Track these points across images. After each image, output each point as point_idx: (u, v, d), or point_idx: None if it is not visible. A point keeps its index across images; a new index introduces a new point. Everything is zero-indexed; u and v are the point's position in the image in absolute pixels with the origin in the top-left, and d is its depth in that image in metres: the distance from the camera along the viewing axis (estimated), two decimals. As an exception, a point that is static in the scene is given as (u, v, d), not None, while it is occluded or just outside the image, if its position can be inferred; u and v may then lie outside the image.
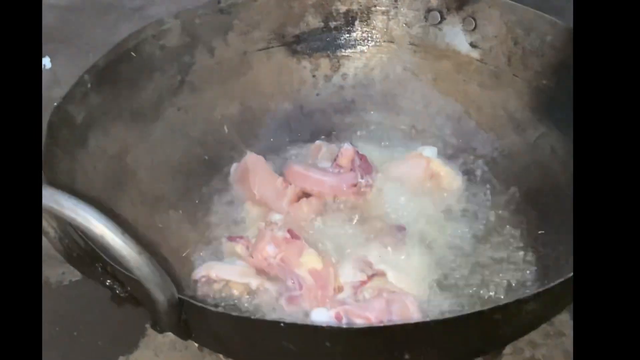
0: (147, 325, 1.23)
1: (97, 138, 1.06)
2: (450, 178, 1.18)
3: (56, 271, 1.30)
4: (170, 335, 1.18)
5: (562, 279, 0.80)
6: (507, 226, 1.12)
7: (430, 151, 1.21)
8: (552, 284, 0.80)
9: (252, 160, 1.18)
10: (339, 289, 1.00)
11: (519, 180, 1.17)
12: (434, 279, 1.03)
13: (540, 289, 0.80)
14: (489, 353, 0.99)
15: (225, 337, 0.84)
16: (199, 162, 1.22)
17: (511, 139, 1.22)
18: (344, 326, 0.87)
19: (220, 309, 0.84)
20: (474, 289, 1.02)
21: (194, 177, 1.20)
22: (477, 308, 0.86)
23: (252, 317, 0.87)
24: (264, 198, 1.13)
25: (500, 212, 1.14)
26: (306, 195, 1.13)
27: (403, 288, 1.00)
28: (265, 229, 1.06)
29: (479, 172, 1.22)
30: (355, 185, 1.12)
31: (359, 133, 1.30)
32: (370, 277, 1.00)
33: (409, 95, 1.31)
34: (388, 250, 1.05)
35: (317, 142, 1.24)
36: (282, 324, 0.77)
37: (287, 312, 0.97)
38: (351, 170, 1.14)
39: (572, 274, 0.77)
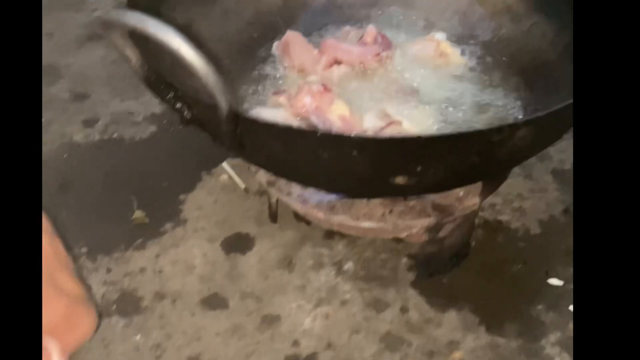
0: (203, 172, 1.27)
1: (167, 9, 1.07)
2: (456, 56, 1.21)
3: (129, 130, 1.36)
4: (220, 179, 1.23)
5: (548, 111, 0.82)
6: (501, 88, 1.15)
7: (440, 35, 1.24)
8: (539, 114, 0.82)
9: (291, 35, 1.20)
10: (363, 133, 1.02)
11: (514, 58, 1.20)
12: (441, 127, 1.05)
13: (529, 117, 0.82)
14: (489, 177, 1.01)
15: (271, 149, 0.87)
16: (250, 39, 1.24)
17: (508, 27, 1.24)
18: (369, 136, 0.90)
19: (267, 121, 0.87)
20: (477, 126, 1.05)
21: (246, 49, 1.22)
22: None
23: (294, 127, 0.89)
24: (302, 64, 1.16)
25: (497, 79, 1.18)
26: (337, 62, 1.15)
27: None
28: (303, 84, 1.08)
29: (480, 53, 1.24)
30: (378, 54, 1.14)
31: (382, 22, 1.31)
32: (389, 125, 1.02)
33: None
34: (403, 105, 1.06)
35: (347, 27, 1.25)
36: (318, 133, 0.80)
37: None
38: (374, 44, 1.16)
39: (554, 109, 0.81)
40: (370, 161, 0.83)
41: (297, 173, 0.94)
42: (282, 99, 1.09)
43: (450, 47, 1.22)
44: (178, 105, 0.86)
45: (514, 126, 0.82)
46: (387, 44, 1.18)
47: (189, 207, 1.23)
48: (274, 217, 1.18)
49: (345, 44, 1.17)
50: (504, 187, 1.18)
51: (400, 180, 0.85)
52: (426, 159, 0.83)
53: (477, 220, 1.16)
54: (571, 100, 0.79)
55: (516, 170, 1.25)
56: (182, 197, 1.26)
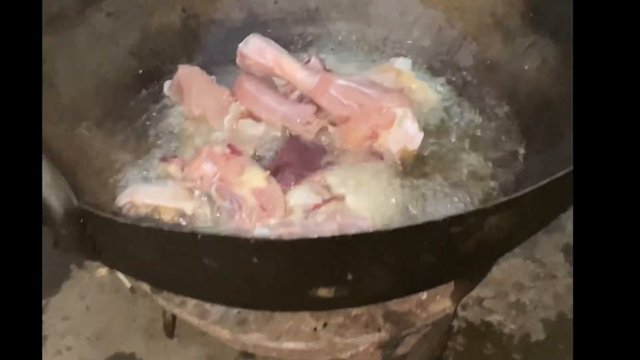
0: (72, 266, 1.26)
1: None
2: (425, 93, 1.18)
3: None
4: (97, 275, 1.21)
5: (531, 188, 0.80)
6: (490, 142, 1.13)
7: (402, 63, 1.21)
8: (518, 194, 0.80)
9: (185, 73, 1.18)
10: (289, 212, 1.00)
11: (505, 94, 1.18)
12: (400, 204, 1.03)
13: (505, 199, 0.80)
14: (450, 280, 0.98)
15: (139, 256, 0.83)
16: (132, 76, 1.22)
17: (498, 48, 1.22)
18: (274, 237, 0.87)
19: (128, 220, 0.83)
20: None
21: (125, 92, 1.20)
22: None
23: (165, 228, 0.85)
24: (203, 112, 1.13)
25: (482, 128, 1.16)
26: (254, 117, 1.13)
27: (362, 213, 0.99)
28: (203, 146, 1.05)
29: (460, 86, 1.22)
30: (309, 123, 1.11)
31: (322, 45, 1.31)
32: (326, 202, 0.99)
33: (382, 2, 1.32)
34: (349, 171, 1.04)
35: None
36: (199, 235, 0.76)
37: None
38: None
39: (539, 185, 0.79)
40: (278, 270, 0.80)
41: (178, 284, 0.90)
42: (172, 167, 1.06)
43: (415, 80, 1.20)
44: None
45: (482, 213, 0.80)
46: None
47: (51, 318, 1.22)
48: (170, 329, 1.16)
49: (270, 93, 1.14)
50: (496, 273, 1.19)
51: (323, 292, 0.82)
52: (358, 264, 0.80)
53: (456, 323, 1.16)
54: (570, 169, 0.78)
55: (515, 249, 1.23)
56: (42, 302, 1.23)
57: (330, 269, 0.80)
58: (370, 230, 0.91)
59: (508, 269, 1.20)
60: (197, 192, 1.03)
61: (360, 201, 1.02)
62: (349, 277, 0.80)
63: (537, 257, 1.23)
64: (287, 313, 1.02)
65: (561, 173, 0.80)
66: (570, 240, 1.24)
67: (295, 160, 1.07)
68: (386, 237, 0.78)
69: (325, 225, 0.97)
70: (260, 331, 1.01)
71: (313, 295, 0.83)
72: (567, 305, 1.16)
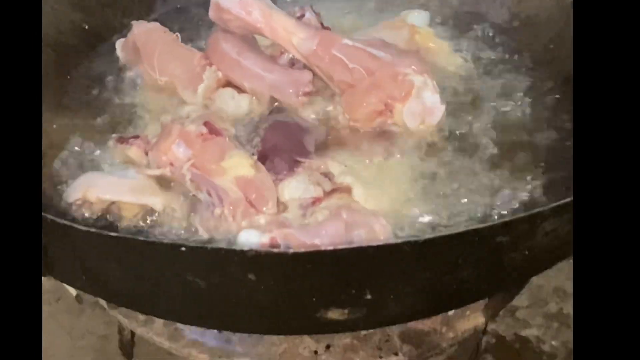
0: None
1: None
2: (446, 55, 1.19)
3: None
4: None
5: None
6: (530, 119, 1.14)
7: (418, 17, 1.22)
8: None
9: (142, 31, 1.17)
10: (283, 208, 0.99)
11: (548, 60, 1.20)
12: (419, 193, 1.03)
13: (564, 201, 0.81)
14: (488, 296, 1.01)
15: (102, 271, 0.84)
16: (76, 33, 1.24)
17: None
18: (274, 251, 0.86)
19: (92, 229, 0.83)
20: (469, 205, 1.02)
21: (69, 54, 1.21)
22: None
23: (138, 238, 0.85)
24: (169, 80, 1.14)
25: (518, 102, 1.15)
26: (235, 87, 1.13)
27: (373, 208, 0.99)
28: (171, 123, 1.04)
29: (490, 47, 1.24)
30: (308, 94, 1.11)
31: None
32: (329, 194, 0.99)
33: None
34: (355, 154, 1.05)
35: None
36: (182, 248, 0.77)
37: (204, 238, 0.97)
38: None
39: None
40: (279, 289, 0.81)
41: (152, 304, 0.91)
42: (132, 150, 1.06)
43: (435, 39, 1.20)
44: None
45: (535, 218, 0.81)
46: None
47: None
48: (128, 349, 1.17)
49: (254, 56, 1.14)
50: (532, 278, 1.19)
51: (335, 314, 0.83)
52: (380, 282, 0.81)
53: (483, 339, 1.18)
54: None
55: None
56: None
57: (344, 287, 0.81)
58: (391, 239, 0.91)
59: (547, 271, 1.21)
60: (166, 183, 1.03)
61: (371, 194, 1.01)
62: (368, 296, 0.81)
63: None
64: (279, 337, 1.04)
65: None
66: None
67: (287, 142, 1.07)
68: (417, 250, 0.79)
69: (329, 226, 0.96)
70: (247, 355, 1.03)
71: (322, 317, 0.84)
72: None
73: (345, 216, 0.97)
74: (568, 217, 0.82)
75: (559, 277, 1.23)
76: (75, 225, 0.81)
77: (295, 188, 1.00)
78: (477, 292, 0.94)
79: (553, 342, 1.16)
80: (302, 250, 0.84)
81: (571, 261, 1.27)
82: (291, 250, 0.83)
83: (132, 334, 1.12)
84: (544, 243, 0.84)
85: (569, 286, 1.22)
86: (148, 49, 1.15)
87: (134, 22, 1.17)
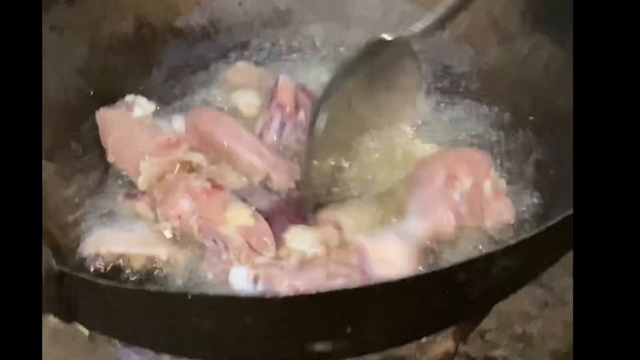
0: None
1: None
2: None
3: None
4: (49, 324, 1.30)
5: (540, 229, 0.94)
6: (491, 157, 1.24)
7: None
8: (531, 234, 0.94)
9: (102, 117, 1.29)
10: (287, 253, 1.11)
11: (505, 102, 1.32)
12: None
13: (515, 241, 0.94)
14: (454, 324, 1.12)
15: (121, 318, 0.95)
16: (82, 98, 1.34)
17: (496, 53, 1.37)
18: (266, 296, 0.98)
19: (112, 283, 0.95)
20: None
21: (75, 117, 1.31)
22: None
23: (150, 289, 0.97)
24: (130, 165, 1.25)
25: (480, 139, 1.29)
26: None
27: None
28: (177, 180, 1.17)
29: (454, 95, 1.36)
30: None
31: (296, 49, 1.42)
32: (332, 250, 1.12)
33: (362, 0, 1.45)
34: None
35: (240, 64, 1.35)
36: (189, 296, 0.88)
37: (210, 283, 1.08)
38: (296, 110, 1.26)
39: (548, 225, 0.93)
40: (273, 328, 0.92)
41: (164, 343, 1.02)
42: (140, 206, 1.18)
43: None
44: None
45: (490, 258, 0.92)
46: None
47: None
48: None
49: (245, 138, 1.25)
50: (499, 303, 1.29)
51: (320, 347, 0.94)
52: (359, 317, 0.92)
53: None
54: (570, 212, 0.90)
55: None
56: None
57: (329, 323, 0.93)
58: (372, 282, 1.01)
59: (512, 296, 1.28)
60: (169, 235, 1.15)
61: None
62: (348, 330, 0.92)
63: (544, 281, 1.34)
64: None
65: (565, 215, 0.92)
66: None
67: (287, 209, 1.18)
68: (386, 290, 0.90)
69: (311, 270, 1.08)
70: None
71: (309, 351, 0.95)
72: (580, 335, 1.26)
73: (332, 268, 1.08)
74: (517, 257, 0.94)
75: (523, 302, 1.31)
76: (91, 279, 0.93)
77: (302, 239, 1.12)
78: (443, 322, 1.05)
79: None
80: (291, 294, 0.97)
81: (534, 285, 1.39)
82: (281, 295, 0.96)
83: None
84: (498, 277, 0.95)
85: (531, 309, 1.31)
86: (104, 134, 1.26)
87: (99, 111, 1.29)
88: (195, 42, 1.41)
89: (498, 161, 1.25)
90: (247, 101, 1.29)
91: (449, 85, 1.38)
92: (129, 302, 0.92)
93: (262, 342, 0.96)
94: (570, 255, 1.37)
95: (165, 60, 1.41)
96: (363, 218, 1.15)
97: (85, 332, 1.32)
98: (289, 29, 1.45)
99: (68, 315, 0.96)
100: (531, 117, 1.29)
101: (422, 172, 1.18)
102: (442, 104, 1.35)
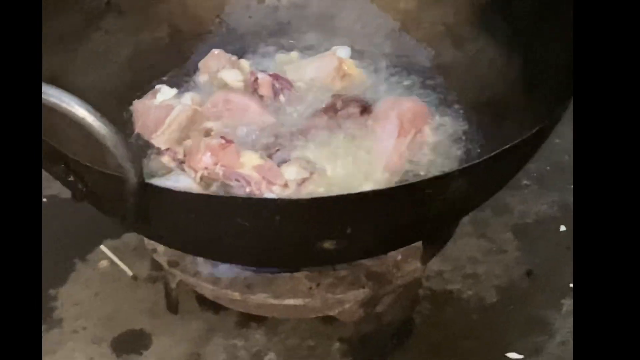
0: (75, 260, 1.65)
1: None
2: (361, 77, 1.66)
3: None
4: (99, 266, 1.61)
5: (485, 157, 1.23)
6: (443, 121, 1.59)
7: (343, 51, 1.69)
8: (474, 162, 1.25)
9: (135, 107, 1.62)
10: (285, 186, 1.41)
11: (459, 92, 1.66)
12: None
13: (464, 165, 1.27)
14: (428, 235, 1.43)
15: (182, 222, 1.23)
16: (126, 87, 1.65)
17: (450, 53, 1.71)
18: (292, 197, 1.32)
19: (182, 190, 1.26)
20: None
21: (121, 103, 1.63)
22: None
23: (210, 193, 1.31)
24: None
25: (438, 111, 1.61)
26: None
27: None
28: (197, 140, 1.47)
29: (418, 86, 1.69)
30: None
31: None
32: (312, 174, 1.43)
33: (346, 16, 1.80)
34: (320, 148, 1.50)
35: (215, 50, 1.71)
36: (239, 199, 1.22)
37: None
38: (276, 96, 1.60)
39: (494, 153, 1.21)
40: (295, 226, 1.19)
41: (211, 247, 1.31)
42: (166, 157, 1.48)
43: (354, 67, 1.66)
44: (70, 178, 1.22)
45: (449, 176, 1.20)
46: (287, 84, 1.61)
47: (63, 304, 1.61)
48: (174, 307, 1.57)
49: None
50: (453, 251, 1.62)
51: (328, 244, 1.21)
52: (356, 219, 1.19)
53: (421, 291, 1.59)
54: (512, 144, 1.20)
55: (468, 229, 1.70)
56: (51, 292, 1.63)
57: (335, 223, 1.20)
58: (367, 190, 1.31)
59: (463, 246, 1.62)
60: (199, 180, 1.45)
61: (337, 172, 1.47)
62: (348, 230, 1.18)
63: (489, 235, 1.66)
64: (286, 276, 1.44)
65: (506, 146, 1.21)
66: (518, 220, 1.72)
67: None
68: (378, 196, 1.19)
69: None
70: (264, 292, 1.44)
71: (320, 247, 1.21)
72: (516, 273, 1.60)
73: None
74: (468, 179, 1.20)
75: (472, 250, 1.65)
76: (174, 189, 1.23)
77: (292, 171, 1.43)
78: (415, 233, 1.36)
79: (469, 292, 1.55)
80: (305, 197, 1.30)
81: (481, 238, 1.71)
82: (302, 197, 1.29)
83: (177, 292, 1.52)
84: (453, 196, 1.21)
85: (479, 255, 1.63)
86: (136, 119, 1.59)
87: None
88: (215, 46, 1.71)
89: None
90: (233, 78, 1.61)
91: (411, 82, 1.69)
92: (193, 205, 1.19)
93: (286, 238, 1.21)
94: (509, 214, 1.73)
95: (192, 58, 1.73)
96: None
97: (129, 272, 1.63)
98: (289, 36, 1.78)
99: (144, 224, 1.22)
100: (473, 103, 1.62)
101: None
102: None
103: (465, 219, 1.66)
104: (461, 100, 1.62)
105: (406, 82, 1.68)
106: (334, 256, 1.32)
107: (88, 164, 1.19)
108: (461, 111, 1.61)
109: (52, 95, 1.06)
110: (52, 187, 1.64)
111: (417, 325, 1.55)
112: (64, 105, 1.06)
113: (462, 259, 1.66)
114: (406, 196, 1.19)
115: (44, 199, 1.73)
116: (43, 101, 1.04)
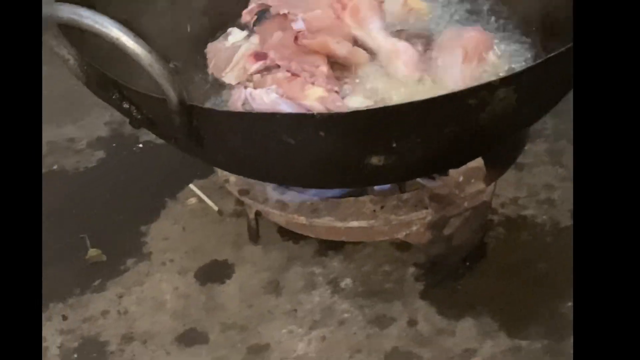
0: (166, 198, 1.74)
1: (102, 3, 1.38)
2: (426, 11, 1.68)
3: (71, 160, 1.83)
4: (188, 203, 1.69)
5: (528, 65, 1.27)
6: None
7: None
8: (517, 70, 1.27)
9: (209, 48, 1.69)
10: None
11: (523, 19, 1.65)
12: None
13: (512, 72, 1.27)
14: (476, 156, 1.43)
15: (230, 141, 1.27)
16: (204, 30, 1.74)
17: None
18: (332, 113, 1.34)
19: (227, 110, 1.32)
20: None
21: (198, 44, 1.71)
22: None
23: (252, 112, 1.34)
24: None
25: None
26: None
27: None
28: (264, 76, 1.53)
29: (483, 15, 1.70)
30: None
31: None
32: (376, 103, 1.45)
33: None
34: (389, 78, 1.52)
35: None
36: (278, 116, 1.25)
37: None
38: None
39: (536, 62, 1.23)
40: (339, 141, 1.21)
41: (261, 167, 1.36)
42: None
43: (419, 1, 1.68)
44: (125, 105, 1.29)
45: (490, 85, 1.18)
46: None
47: (153, 239, 1.71)
48: (254, 237, 1.64)
49: None
50: (528, 178, 1.65)
51: (376, 160, 1.24)
52: (399, 132, 1.21)
53: (495, 218, 1.61)
54: (553, 53, 1.19)
55: (544, 158, 1.71)
56: (143, 228, 1.74)
57: (378, 137, 1.22)
58: (402, 102, 1.26)
59: (539, 174, 1.64)
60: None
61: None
62: (394, 144, 1.22)
63: (564, 163, 1.67)
64: (351, 200, 1.48)
65: (556, 52, 1.20)
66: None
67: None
68: (417, 107, 1.18)
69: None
70: (330, 215, 1.49)
71: (368, 164, 1.24)
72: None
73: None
74: (513, 88, 1.18)
75: (547, 177, 1.66)
76: (217, 109, 1.32)
77: (356, 100, 1.48)
78: (467, 149, 1.37)
79: (543, 217, 1.56)
80: (347, 110, 1.32)
81: (556, 165, 1.71)
82: (340, 112, 1.31)
83: (257, 223, 1.60)
84: (502, 108, 1.19)
85: (554, 182, 1.63)
86: (209, 59, 1.66)
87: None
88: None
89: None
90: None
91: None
92: (237, 125, 1.24)
93: (333, 155, 1.23)
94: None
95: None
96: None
97: (215, 208, 1.71)
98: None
99: (197, 145, 1.26)
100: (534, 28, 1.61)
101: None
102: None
103: (541, 149, 1.71)
104: (525, 27, 1.62)
105: (470, 12, 1.69)
106: (386, 174, 1.34)
107: (133, 88, 1.25)
108: (525, 37, 1.61)
109: (86, 17, 1.12)
110: (148, 134, 1.74)
111: (490, 250, 1.57)
112: (97, 26, 1.12)
113: (537, 185, 1.67)
114: (447, 107, 1.19)
115: (140, 144, 1.89)
116: (79, 24, 1.10)
